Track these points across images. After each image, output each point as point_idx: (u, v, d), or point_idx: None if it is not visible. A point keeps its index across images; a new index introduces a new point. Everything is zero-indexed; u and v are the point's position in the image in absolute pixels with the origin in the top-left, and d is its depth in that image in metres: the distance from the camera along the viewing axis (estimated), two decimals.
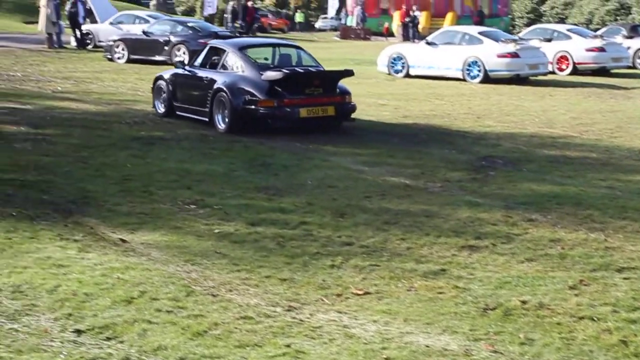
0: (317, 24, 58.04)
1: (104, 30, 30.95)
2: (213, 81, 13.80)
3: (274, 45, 15.42)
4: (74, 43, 31.18)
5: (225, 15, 47.49)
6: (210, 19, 48.52)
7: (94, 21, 33.97)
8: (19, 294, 5.81)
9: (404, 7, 47.88)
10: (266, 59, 14.67)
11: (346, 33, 49.10)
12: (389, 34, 48.17)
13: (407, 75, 23.45)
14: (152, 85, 15.70)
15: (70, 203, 8.51)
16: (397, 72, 23.74)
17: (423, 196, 9.30)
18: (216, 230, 7.68)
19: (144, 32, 26.48)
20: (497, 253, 7.20)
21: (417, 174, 10.54)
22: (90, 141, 12.27)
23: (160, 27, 27.05)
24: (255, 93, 13.18)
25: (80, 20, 31.14)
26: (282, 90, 13.21)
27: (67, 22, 31.76)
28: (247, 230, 7.72)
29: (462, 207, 8.73)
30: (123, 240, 7.25)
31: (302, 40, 46.57)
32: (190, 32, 25.84)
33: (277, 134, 13.02)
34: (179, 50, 25.05)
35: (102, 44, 29.43)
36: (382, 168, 10.88)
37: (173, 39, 25.46)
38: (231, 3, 47.43)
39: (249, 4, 48.88)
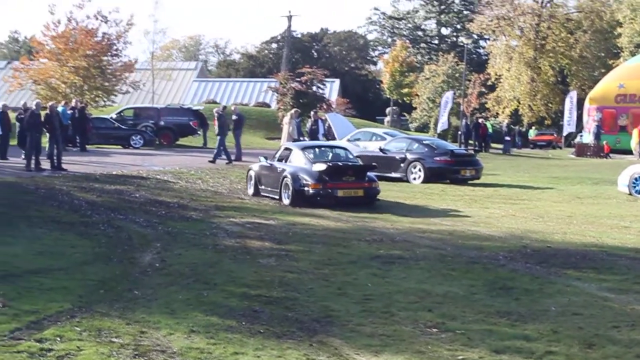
0: (576, 140, 56.98)
1: None
2: (283, 170, 19.79)
3: (329, 147, 22.32)
4: None
5: (459, 132, 47.80)
6: (443, 135, 49.00)
7: (332, 138, 35.09)
8: None
9: None
10: (325, 155, 20.72)
11: (582, 150, 48.00)
12: (610, 151, 46.56)
13: None
14: (245, 174, 22.45)
15: (314, 322, 8.65)
16: (639, 192, 22.82)
17: None
18: (460, 357, 7.55)
19: (381, 149, 27.04)
20: None
21: None
22: (331, 258, 12.51)
23: (396, 144, 27.55)
24: (308, 179, 19.05)
25: (320, 137, 32.26)
26: (326, 177, 18.95)
27: (308, 139, 33.06)
28: (491, 357, 7.55)
29: None
30: None
31: (536, 157, 46.04)
32: (426, 149, 26.16)
33: (517, 254, 12.81)
34: (414, 167, 25.41)
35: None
36: (630, 296, 10.36)
37: (409, 156, 25.84)
38: (464, 120, 47.80)
39: (481, 121, 49.06)
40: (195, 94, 76.61)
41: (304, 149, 20.62)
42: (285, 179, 19.43)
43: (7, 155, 28.09)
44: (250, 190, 21.39)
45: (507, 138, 49.74)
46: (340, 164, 19.82)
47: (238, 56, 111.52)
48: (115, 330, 7.97)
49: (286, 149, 21.30)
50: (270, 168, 20.62)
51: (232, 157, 30.32)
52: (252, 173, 21.54)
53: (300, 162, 19.89)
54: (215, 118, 31.51)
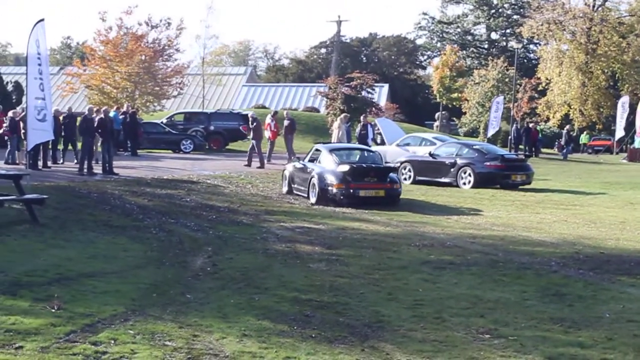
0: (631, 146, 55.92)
1: (391, 151, 31.85)
2: (312, 170, 21.11)
3: (357, 149, 23.60)
4: None
5: (509, 137, 47.45)
6: (493, 140, 48.64)
7: (382, 143, 35.05)
8: None
9: None
10: (353, 157, 22.05)
11: (635, 155, 47.27)
12: None
13: None
14: (281, 174, 23.81)
15: (365, 326, 8.63)
16: None
17: None
18: None
19: (431, 154, 26.94)
20: None
21: None
22: (382, 263, 12.49)
23: (446, 149, 27.42)
24: (333, 179, 20.26)
25: (369, 142, 32.21)
26: (350, 177, 20.09)
27: (357, 144, 33.00)
28: None
29: None
30: None
31: (586, 162, 45.55)
32: (477, 154, 25.98)
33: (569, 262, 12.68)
34: (465, 172, 25.27)
35: (389, 164, 30.25)
36: None
37: (459, 161, 25.70)
38: (515, 125, 47.41)
39: (531, 125, 48.65)
40: (245, 98, 77.05)
41: (331, 150, 21.92)
42: (312, 178, 20.82)
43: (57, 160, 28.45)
44: (285, 189, 22.75)
45: (569, 146, 49.15)
46: (363, 165, 20.99)
47: (287, 61, 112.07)
48: (169, 333, 8.03)
49: (316, 150, 22.68)
50: (302, 169, 22.06)
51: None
52: (286, 173, 23.02)
53: (327, 164, 21.20)
54: (250, 122, 31.80)
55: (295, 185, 22.14)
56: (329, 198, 20.18)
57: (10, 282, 10.03)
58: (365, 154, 22.56)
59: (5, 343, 7.43)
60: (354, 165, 20.60)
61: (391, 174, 21.07)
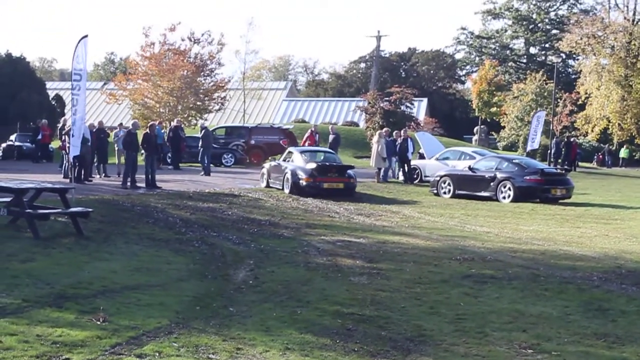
0: None
1: (430, 165, 31.90)
2: (286, 168, 25.70)
3: (322, 152, 28.81)
4: (401, 177, 32.34)
5: (549, 151, 47.15)
6: (532, 154, 48.33)
7: (421, 157, 35.02)
8: None
9: None
10: (318, 157, 27.07)
11: None
12: None
13: None
14: (260, 171, 28.45)
15: (407, 341, 8.66)
16: None
17: None
18: None
19: (470, 168, 26.89)
20: None
21: None
22: (423, 277, 12.50)
23: (486, 163, 27.35)
24: (302, 174, 24.98)
25: (409, 155, 32.21)
26: (316, 173, 24.88)
27: (397, 158, 32.98)
28: None
29: None
30: None
31: (627, 176, 45.07)
32: (516, 168, 25.89)
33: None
34: (504, 186, 25.18)
35: (428, 178, 30.30)
36: None
37: (499, 175, 25.62)
38: (555, 139, 47.10)
39: (572, 140, 48.33)
40: (285, 113, 77.42)
41: (302, 152, 27.18)
42: (286, 174, 25.52)
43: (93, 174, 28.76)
44: (263, 184, 27.32)
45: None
46: (327, 163, 26.20)
47: (327, 76, 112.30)
48: (212, 346, 8.11)
49: (289, 152, 27.69)
50: (277, 167, 26.79)
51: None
52: (264, 170, 27.74)
53: (298, 162, 26.02)
54: (199, 131, 33.26)
55: (272, 180, 26.76)
56: (299, 189, 24.76)
57: (57, 294, 10.17)
58: (329, 156, 27.99)
59: (52, 355, 7.54)
60: (320, 164, 25.71)
61: (349, 171, 25.85)
